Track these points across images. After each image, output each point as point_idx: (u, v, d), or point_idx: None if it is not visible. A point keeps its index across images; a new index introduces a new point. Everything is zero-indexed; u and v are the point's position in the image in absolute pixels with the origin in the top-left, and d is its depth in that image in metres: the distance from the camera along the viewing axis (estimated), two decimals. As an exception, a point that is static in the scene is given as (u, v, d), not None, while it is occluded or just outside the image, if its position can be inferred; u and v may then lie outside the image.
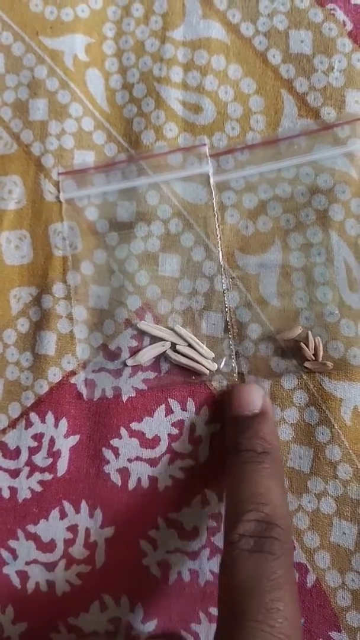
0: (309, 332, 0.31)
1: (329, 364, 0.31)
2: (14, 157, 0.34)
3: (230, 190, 0.33)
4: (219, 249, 0.32)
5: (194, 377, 0.32)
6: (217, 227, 0.33)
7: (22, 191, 0.34)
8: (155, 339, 0.32)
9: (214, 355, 0.32)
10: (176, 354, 0.32)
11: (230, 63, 0.33)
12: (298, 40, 0.33)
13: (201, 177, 0.33)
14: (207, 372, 0.32)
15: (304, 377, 0.32)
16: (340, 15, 0.32)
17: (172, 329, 0.32)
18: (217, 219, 0.33)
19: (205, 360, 0.32)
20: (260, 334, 0.32)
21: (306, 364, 0.31)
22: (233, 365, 0.32)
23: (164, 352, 0.32)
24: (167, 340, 0.32)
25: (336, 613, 0.31)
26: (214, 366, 0.32)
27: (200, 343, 0.32)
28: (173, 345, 0.32)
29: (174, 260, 0.33)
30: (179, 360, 0.32)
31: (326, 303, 0.31)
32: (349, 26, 0.32)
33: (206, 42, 0.33)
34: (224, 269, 0.32)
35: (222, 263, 0.32)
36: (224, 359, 0.32)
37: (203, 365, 0.32)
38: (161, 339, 0.32)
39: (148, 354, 0.32)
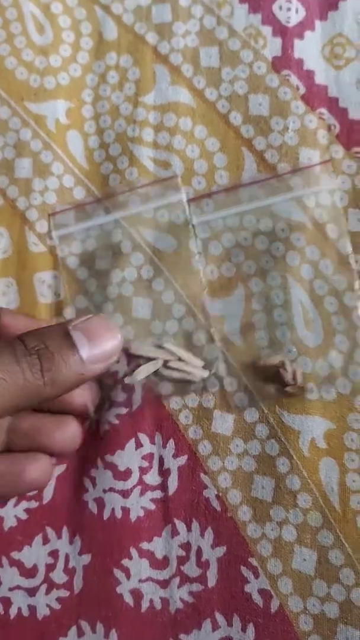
0: (286, 360, 0.33)
1: (308, 386, 0.33)
2: (0, 210, 0.38)
3: (197, 239, 0.36)
4: (187, 292, 0.35)
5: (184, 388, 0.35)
6: (187, 272, 0.35)
7: (8, 242, 0.38)
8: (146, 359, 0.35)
9: (203, 363, 0.34)
10: (168, 369, 0.34)
11: (196, 124, 0.37)
12: (256, 103, 0.36)
13: (171, 226, 0.36)
14: (200, 379, 0.34)
15: (265, 411, 0.34)
16: (294, 80, 0.36)
17: (161, 347, 0.35)
18: (186, 265, 0.35)
19: (197, 369, 0.34)
20: (224, 371, 0.34)
21: (287, 389, 0.33)
22: (223, 368, 0.35)
23: (157, 369, 0.34)
24: (159, 358, 0.34)
25: (299, 638, 0.32)
26: (205, 372, 0.34)
27: (189, 354, 0.34)
28: (165, 362, 0.34)
29: (146, 303, 0.36)
30: (171, 375, 0.34)
31: (285, 342, 0.34)
32: (302, 90, 0.35)
33: (174, 105, 0.37)
34: (192, 311, 0.35)
35: (189, 306, 0.35)
36: (215, 364, 0.35)
37: (195, 375, 0.34)
38: (153, 359, 0.34)
39: (143, 372, 0.34)
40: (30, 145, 0.38)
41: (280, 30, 0.36)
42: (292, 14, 0.36)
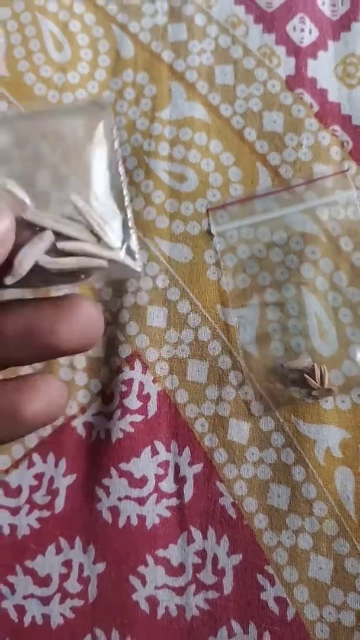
0: (315, 363, 0.34)
1: (335, 388, 0.33)
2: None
3: (212, 250, 0.36)
4: (202, 302, 0.36)
5: (82, 276, 0.24)
6: (202, 282, 0.36)
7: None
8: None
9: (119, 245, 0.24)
10: (57, 256, 0.23)
11: (211, 139, 0.38)
12: (271, 120, 0.37)
13: (186, 237, 0.37)
14: (104, 263, 0.23)
15: (280, 420, 0.34)
16: (307, 98, 0.37)
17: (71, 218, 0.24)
18: (202, 275, 0.36)
19: (104, 251, 0.23)
20: (240, 380, 0.35)
21: (313, 393, 0.34)
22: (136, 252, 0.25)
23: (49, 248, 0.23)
24: (48, 230, 0.23)
25: (314, 646, 0.33)
26: (115, 255, 0.24)
27: (103, 226, 0.24)
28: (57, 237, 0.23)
29: (161, 312, 0.36)
30: (61, 264, 0.23)
31: (300, 352, 0.34)
32: (316, 108, 0.37)
33: (190, 120, 0.38)
34: (207, 321, 0.36)
35: (205, 315, 0.36)
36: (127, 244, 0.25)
37: (97, 256, 0.23)
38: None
39: (27, 257, 0.22)
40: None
41: (294, 50, 0.37)
42: (306, 34, 0.37)
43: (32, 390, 0.22)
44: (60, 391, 0.23)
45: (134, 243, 0.24)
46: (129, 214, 0.24)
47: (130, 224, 0.24)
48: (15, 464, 0.36)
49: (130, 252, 0.24)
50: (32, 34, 0.40)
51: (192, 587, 0.34)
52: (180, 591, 0.34)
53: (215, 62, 0.38)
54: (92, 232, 0.23)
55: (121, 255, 0.24)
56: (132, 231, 0.24)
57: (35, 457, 0.36)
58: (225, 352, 0.35)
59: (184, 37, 0.39)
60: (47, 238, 0.22)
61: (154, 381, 0.36)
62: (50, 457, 0.36)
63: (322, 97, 0.37)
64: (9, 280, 0.22)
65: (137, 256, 0.24)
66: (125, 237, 0.24)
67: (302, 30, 0.38)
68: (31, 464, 0.36)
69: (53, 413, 0.23)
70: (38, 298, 0.24)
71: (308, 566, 0.33)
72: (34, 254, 0.22)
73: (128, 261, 0.24)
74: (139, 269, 0.24)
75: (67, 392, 0.23)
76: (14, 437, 0.23)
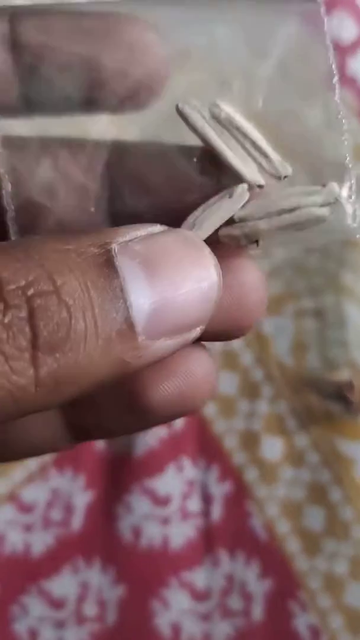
0: (354, 376, 0.32)
1: None
2: None
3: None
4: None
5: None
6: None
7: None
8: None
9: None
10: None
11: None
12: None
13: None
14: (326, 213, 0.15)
15: (316, 436, 0.32)
16: (347, 98, 0.35)
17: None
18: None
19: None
20: (273, 393, 0.33)
21: (352, 408, 0.32)
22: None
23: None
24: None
25: None
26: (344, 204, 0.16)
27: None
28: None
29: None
30: (273, 224, 0.15)
31: (338, 364, 0.33)
32: (357, 108, 0.35)
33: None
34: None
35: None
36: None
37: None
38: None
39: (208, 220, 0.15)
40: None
41: (334, 48, 0.36)
42: (345, 31, 0.36)
43: (163, 362, 0.15)
44: (205, 367, 0.16)
45: (352, 182, 0.16)
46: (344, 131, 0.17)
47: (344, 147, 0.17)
48: (31, 478, 0.34)
49: (347, 198, 0.16)
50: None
51: (218, 613, 0.32)
52: (205, 617, 0.33)
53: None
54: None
55: (345, 203, 0.16)
56: (347, 160, 0.16)
57: (52, 471, 0.34)
58: (258, 362, 0.34)
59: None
60: (239, 193, 0.15)
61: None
62: (68, 472, 0.34)
63: (363, 95, 0.35)
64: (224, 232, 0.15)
65: (354, 203, 0.16)
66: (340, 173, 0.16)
67: (342, 27, 0.36)
68: (47, 478, 0.34)
69: (192, 400, 0.16)
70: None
71: (343, 593, 0.31)
72: (218, 216, 0.15)
73: (349, 212, 0.16)
74: (358, 226, 0.16)
75: (215, 372, 0.16)
76: (136, 428, 0.18)
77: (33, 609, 0.34)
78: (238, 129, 0.16)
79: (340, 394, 0.32)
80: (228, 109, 0.16)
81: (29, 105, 0.16)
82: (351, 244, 0.33)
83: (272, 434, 0.33)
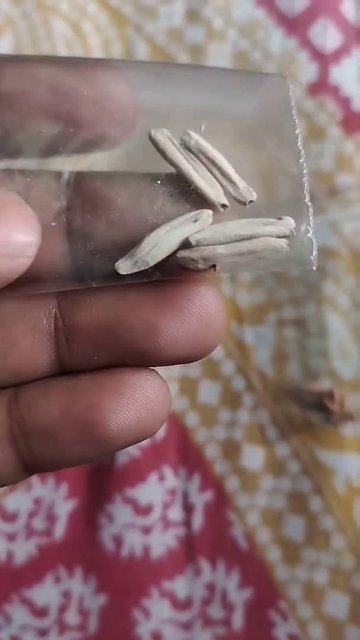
0: (334, 386, 0.32)
1: (355, 413, 0.32)
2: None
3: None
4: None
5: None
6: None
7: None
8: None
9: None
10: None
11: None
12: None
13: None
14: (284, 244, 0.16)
15: (297, 446, 0.32)
16: (330, 105, 0.35)
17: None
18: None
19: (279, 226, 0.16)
20: (254, 402, 0.33)
21: (332, 418, 0.32)
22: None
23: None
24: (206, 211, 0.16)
25: None
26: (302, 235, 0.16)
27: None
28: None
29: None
30: (230, 251, 0.16)
31: (319, 373, 0.32)
32: (339, 116, 0.35)
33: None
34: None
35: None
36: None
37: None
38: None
39: (164, 243, 0.15)
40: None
41: (317, 56, 0.36)
42: (329, 40, 0.36)
43: (120, 390, 0.16)
44: (161, 394, 0.16)
45: (310, 219, 0.17)
46: (304, 173, 0.17)
47: (305, 187, 0.17)
48: (13, 487, 0.34)
49: (305, 232, 0.17)
50: (43, 35, 0.38)
51: (199, 622, 0.32)
52: (186, 626, 0.32)
53: (234, 66, 0.36)
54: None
55: (303, 236, 0.16)
56: (307, 199, 0.17)
57: (34, 480, 0.34)
58: (239, 372, 0.33)
59: (202, 40, 0.37)
60: (204, 218, 0.16)
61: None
62: (50, 480, 0.34)
63: (345, 105, 0.35)
64: (124, 269, 0.15)
65: (311, 237, 0.17)
66: (299, 208, 0.17)
67: (325, 35, 0.36)
68: (30, 487, 0.34)
69: (149, 427, 0.16)
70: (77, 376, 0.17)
71: (323, 602, 0.31)
72: (178, 237, 0.15)
73: (306, 245, 0.16)
74: (313, 258, 0.17)
75: (170, 396, 0.16)
76: (91, 458, 0.16)
77: (16, 618, 0.34)
78: (206, 156, 0.16)
79: (320, 403, 0.32)
80: (198, 138, 0.16)
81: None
82: (333, 254, 0.33)
83: (253, 444, 0.33)
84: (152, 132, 0.16)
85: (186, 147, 0.16)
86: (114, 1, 0.38)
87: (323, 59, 0.36)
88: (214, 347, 0.16)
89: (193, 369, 0.34)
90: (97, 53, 0.38)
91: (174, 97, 0.17)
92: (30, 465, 0.17)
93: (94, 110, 0.16)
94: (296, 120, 0.17)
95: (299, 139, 0.17)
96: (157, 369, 0.17)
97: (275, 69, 0.36)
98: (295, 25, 0.36)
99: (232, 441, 0.33)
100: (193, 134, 0.16)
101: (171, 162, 0.16)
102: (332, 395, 0.32)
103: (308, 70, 0.36)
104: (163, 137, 0.16)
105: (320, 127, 0.35)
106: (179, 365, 0.33)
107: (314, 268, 0.16)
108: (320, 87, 0.35)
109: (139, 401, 0.16)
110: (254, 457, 0.33)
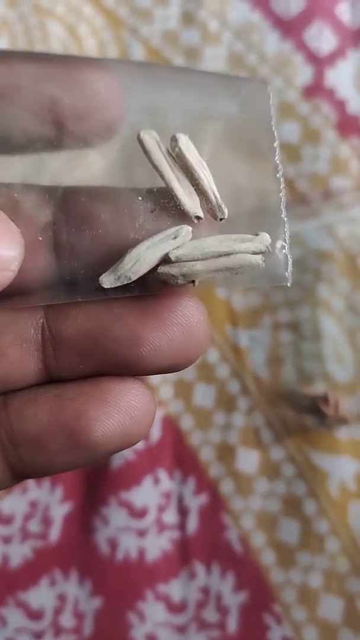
0: (329, 390, 0.32)
1: (350, 417, 0.32)
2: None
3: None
4: (211, 321, 0.34)
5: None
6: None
7: None
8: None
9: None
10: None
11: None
12: (287, 131, 0.35)
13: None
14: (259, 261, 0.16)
15: (292, 449, 0.32)
16: (325, 108, 0.35)
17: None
18: (210, 292, 0.34)
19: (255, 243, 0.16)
20: (249, 406, 0.33)
21: (327, 421, 0.32)
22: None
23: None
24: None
25: None
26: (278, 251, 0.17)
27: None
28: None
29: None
30: (207, 267, 0.16)
31: (314, 377, 0.32)
32: (334, 119, 0.35)
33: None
34: (215, 342, 0.34)
35: (213, 336, 0.34)
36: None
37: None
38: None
39: (145, 259, 0.16)
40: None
41: (312, 59, 0.36)
42: (324, 42, 0.36)
43: (105, 399, 0.16)
44: (145, 402, 0.16)
45: (286, 234, 0.17)
46: (281, 188, 0.17)
47: (282, 202, 0.17)
48: (9, 490, 0.34)
49: (281, 248, 0.17)
50: (38, 38, 0.38)
51: (194, 625, 0.32)
52: (181, 629, 0.32)
53: (230, 69, 0.36)
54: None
55: (278, 252, 0.16)
56: (283, 214, 0.17)
57: (30, 482, 0.34)
58: (234, 375, 0.33)
59: (197, 43, 0.37)
60: (183, 235, 0.16)
61: (158, 405, 0.34)
62: (46, 484, 0.34)
63: (341, 108, 0.35)
64: (108, 283, 0.16)
65: (287, 253, 0.17)
66: (276, 224, 0.17)
67: (321, 38, 0.36)
68: (25, 490, 0.34)
69: (133, 434, 0.16)
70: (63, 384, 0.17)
71: (318, 605, 0.31)
72: (158, 253, 0.16)
73: (281, 261, 0.17)
74: (288, 274, 0.17)
75: (154, 404, 0.17)
76: (78, 465, 0.17)
77: (11, 620, 0.34)
78: (187, 166, 0.16)
79: (315, 407, 0.32)
80: (182, 146, 0.16)
81: None
82: (328, 257, 0.33)
83: (248, 447, 0.33)
84: (141, 134, 0.16)
85: (172, 152, 0.17)
86: (110, 4, 0.38)
87: (318, 62, 0.36)
88: (196, 357, 0.16)
89: (188, 373, 0.34)
90: (92, 55, 0.38)
91: (156, 96, 0.17)
92: (19, 472, 0.17)
93: (79, 109, 0.16)
94: (275, 133, 0.17)
95: (277, 153, 0.17)
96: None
97: (271, 72, 0.36)
98: (291, 28, 0.36)
99: (227, 444, 0.33)
100: (181, 140, 0.16)
101: (155, 168, 0.16)
102: (327, 399, 0.32)
103: (303, 73, 0.36)
104: (151, 139, 0.16)
105: (316, 130, 0.35)
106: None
107: (289, 284, 0.17)
108: (316, 90, 0.35)
109: (123, 409, 0.16)
110: (248, 460, 0.33)
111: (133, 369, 0.16)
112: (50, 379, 0.17)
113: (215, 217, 0.16)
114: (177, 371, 0.16)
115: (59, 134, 0.16)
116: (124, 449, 0.16)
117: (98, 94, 0.16)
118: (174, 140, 0.16)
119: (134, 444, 0.16)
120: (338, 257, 0.33)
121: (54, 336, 0.16)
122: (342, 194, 0.34)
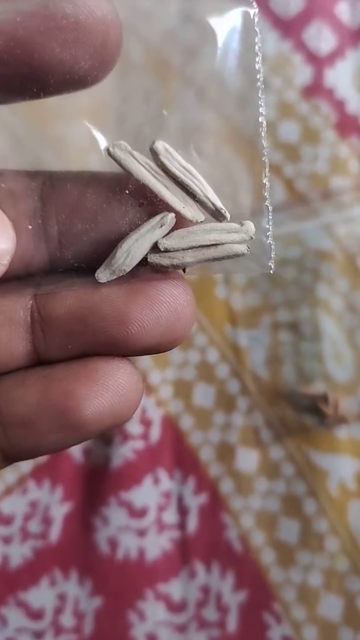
0: (328, 389, 0.32)
1: (349, 416, 0.32)
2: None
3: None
4: (210, 321, 0.34)
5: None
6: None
7: None
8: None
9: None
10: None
11: (223, 150, 0.36)
12: (286, 131, 0.35)
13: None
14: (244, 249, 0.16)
15: (291, 449, 0.32)
16: (325, 109, 0.35)
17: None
18: (209, 293, 0.34)
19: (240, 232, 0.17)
20: (249, 405, 0.33)
21: (326, 421, 0.32)
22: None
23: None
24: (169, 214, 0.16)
25: None
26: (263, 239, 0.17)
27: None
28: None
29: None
30: (196, 258, 0.16)
31: (313, 376, 0.33)
32: (333, 119, 0.35)
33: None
34: (215, 342, 0.34)
35: (213, 335, 0.34)
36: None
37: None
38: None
39: (137, 250, 0.16)
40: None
41: (311, 59, 0.36)
42: (323, 42, 0.36)
43: (94, 378, 0.16)
44: (133, 380, 0.16)
45: (268, 221, 0.17)
46: (266, 172, 0.17)
47: (266, 188, 0.17)
48: (9, 490, 0.34)
49: (264, 235, 0.17)
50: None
51: (194, 624, 0.32)
52: (181, 628, 0.33)
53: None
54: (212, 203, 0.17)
55: (262, 240, 0.17)
56: (267, 203, 0.17)
57: (30, 483, 0.34)
58: (234, 375, 0.33)
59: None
60: (168, 222, 0.16)
61: (157, 405, 0.34)
62: (46, 484, 0.34)
63: (340, 108, 0.35)
64: (104, 278, 0.16)
65: (270, 241, 0.17)
66: (260, 211, 0.17)
67: (320, 38, 0.36)
68: (25, 490, 0.34)
69: (122, 412, 0.16)
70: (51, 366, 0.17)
71: (318, 604, 0.31)
72: (148, 243, 0.16)
73: (265, 248, 0.17)
74: (270, 262, 0.17)
75: (142, 383, 0.17)
76: (67, 444, 0.17)
77: (12, 620, 0.34)
78: (175, 177, 0.16)
79: (315, 406, 0.32)
80: (164, 155, 0.16)
81: None
82: (328, 257, 0.33)
83: (248, 446, 0.33)
84: (111, 149, 0.16)
85: (154, 158, 0.16)
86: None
87: (318, 62, 0.36)
88: (183, 337, 0.17)
89: (187, 372, 0.34)
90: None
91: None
92: (9, 455, 0.17)
93: (64, 44, 0.14)
94: (261, 94, 0.17)
95: (263, 133, 0.17)
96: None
97: (270, 72, 0.36)
98: (290, 28, 0.36)
99: (227, 444, 0.33)
100: (160, 151, 0.16)
101: (140, 180, 0.16)
102: (326, 398, 0.32)
103: (303, 73, 0.36)
104: (124, 153, 0.16)
105: (315, 130, 0.35)
106: (174, 368, 0.33)
107: (272, 272, 0.17)
108: (315, 90, 0.35)
109: (112, 388, 0.16)
110: (248, 459, 0.33)
111: (121, 348, 0.16)
112: (40, 361, 0.17)
113: (216, 219, 0.17)
114: (164, 351, 0.17)
115: (43, 79, 0.15)
116: (113, 427, 0.17)
117: (89, 17, 0.14)
118: (153, 153, 0.16)
119: (122, 423, 0.17)
120: (337, 257, 0.33)
121: (43, 317, 0.16)
122: (342, 193, 0.34)
